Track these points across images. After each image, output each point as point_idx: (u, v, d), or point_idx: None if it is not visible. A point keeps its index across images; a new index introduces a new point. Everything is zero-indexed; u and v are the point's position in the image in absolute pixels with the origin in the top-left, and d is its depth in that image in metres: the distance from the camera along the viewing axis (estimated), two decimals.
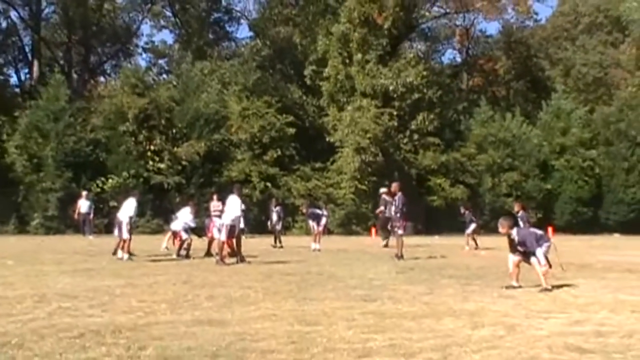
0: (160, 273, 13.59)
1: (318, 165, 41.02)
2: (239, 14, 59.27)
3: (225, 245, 16.83)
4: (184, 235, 18.86)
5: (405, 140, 40.63)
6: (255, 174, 38.02)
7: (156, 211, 35.45)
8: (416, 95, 40.30)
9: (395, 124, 39.50)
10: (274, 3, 53.48)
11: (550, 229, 29.36)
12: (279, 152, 39.33)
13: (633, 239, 33.13)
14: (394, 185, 19.55)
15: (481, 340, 6.96)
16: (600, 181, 44.17)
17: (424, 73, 40.60)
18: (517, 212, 20.06)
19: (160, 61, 60.69)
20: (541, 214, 40.60)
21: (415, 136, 40.75)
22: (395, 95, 40.09)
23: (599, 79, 60.70)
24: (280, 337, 7.03)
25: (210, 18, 57.69)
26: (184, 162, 37.68)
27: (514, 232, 11.91)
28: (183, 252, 18.58)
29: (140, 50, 61.72)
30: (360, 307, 9.13)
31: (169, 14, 59.04)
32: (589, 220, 42.91)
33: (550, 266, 11.57)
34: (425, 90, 40.50)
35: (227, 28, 59.88)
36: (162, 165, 37.35)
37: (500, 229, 12.02)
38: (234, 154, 39.59)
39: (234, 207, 16.73)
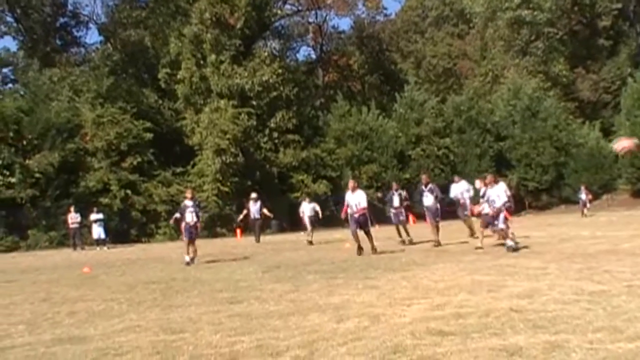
0: (17, 293, 12.97)
1: (179, 169, 40.40)
2: (86, 18, 57.54)
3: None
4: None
5: (265, 139, 40.82)
6: (115, 182, 36.95)
7: (10, 227, 33.83)
8: (273, 94, 40.61)
9: (254, 123, 39.61)
10: (123, 6, 52.27)
11: (411, 217, 30.22)
12: (138, 159, 38.38)
13: None
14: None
15: (347, 332, 7.06)
16: (455, 168, 45.75)
17: (279, 71, 40.97)
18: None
19: (5, 70, 57.81)
20: None
21: (275, 134, 41.03)
22: (252, 95, 40.23)
23: (449, 70, 63.50)
24: (145, 348, 6.87)
25: (57, 23, 55.62)
26: (37, 175, 35.96)
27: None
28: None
29: None
30: (227, 310, 9.06)
31: (10, 19, 56.30)
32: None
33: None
34: (281, 88, 40.87)
35: (75, 33, 58.15)
36: (12, 179, 35.52)
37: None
38: (90, 163, 38.25)
39: None
